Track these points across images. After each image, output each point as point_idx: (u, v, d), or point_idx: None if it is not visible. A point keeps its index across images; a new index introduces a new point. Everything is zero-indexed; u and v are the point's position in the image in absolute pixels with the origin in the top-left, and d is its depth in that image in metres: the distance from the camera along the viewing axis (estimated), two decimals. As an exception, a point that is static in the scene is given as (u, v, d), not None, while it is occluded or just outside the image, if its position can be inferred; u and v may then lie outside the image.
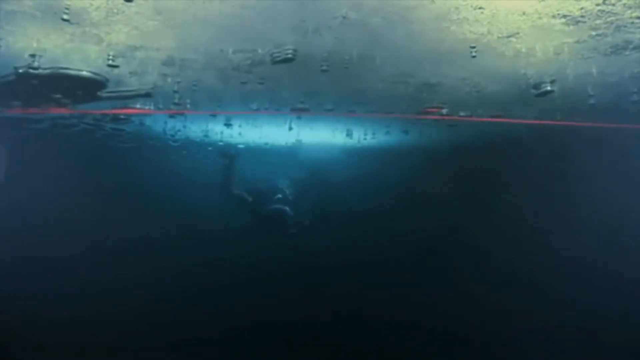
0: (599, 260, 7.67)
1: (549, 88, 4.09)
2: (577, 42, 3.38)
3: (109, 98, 4.45)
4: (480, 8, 2.82)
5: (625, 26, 3.12)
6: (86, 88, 4.07)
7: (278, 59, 3.32)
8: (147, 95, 4.43)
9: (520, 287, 7.88)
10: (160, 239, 8.98)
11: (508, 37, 3.30)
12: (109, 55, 3.53)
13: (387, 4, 2.73)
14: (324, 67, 3.54)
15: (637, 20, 3.03)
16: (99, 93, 4.26)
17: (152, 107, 4.70)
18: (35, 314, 7.10)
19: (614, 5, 2.80)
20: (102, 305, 7.43)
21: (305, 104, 4.61)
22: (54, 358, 6.72)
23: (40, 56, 3.55)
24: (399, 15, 2.90)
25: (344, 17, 2.83)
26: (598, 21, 3.02)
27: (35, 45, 3.47)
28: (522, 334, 7.25)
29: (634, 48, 3.51)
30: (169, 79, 4.24)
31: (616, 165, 6.89)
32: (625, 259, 7.48)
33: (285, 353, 7.46)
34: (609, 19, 3.00)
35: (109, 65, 3.62)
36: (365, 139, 6.67)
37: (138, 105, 4.85)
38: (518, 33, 3.23)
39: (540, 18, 2.97)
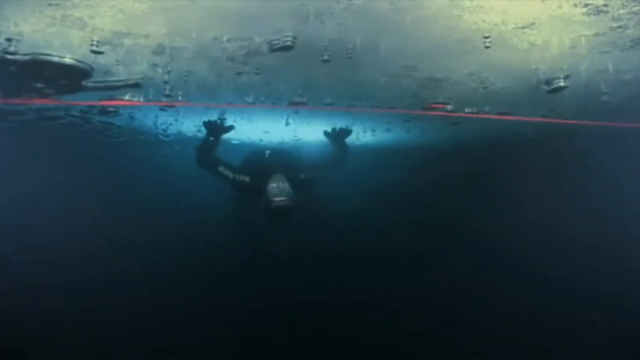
0: (611, 259, 7.53)
1: (562, 84, 3.87)
2: (596, 34, 3.17)
3: (95, 88, 4.18)
4: (496, -5, 2.60)
5: (650, 16, 2.91)
6: (70, 77, 3.79)
7: (276, 46, 3.07)
8: (136, 86, 4.16)
9: (526, 285, 7.73)
10: (151, 235, 8.77)
11: (523, 28, 3.08)
12: (92, 41, 3.27)
13: (396, -12, 2.50)
14: (326, 57, 3.29)
15: (664, 11, 2.83)
16: (84, 82, 3.99)
17: (141, 99, 4.42)
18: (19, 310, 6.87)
19: (642, -7, 2.59)
20: (86, 303, 7.20)
21: (303, 97, 4.36)
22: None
23: (18, 40, 3.29)
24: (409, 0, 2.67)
25: (349, 1, 2.58)
26: (622, 11, 2.82)
27: (12, 29, 3.21)
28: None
29: (655, 42, 3.31)
30: (159, 69, 3.98)
31: (628, 165, 6.75)
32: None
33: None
34: (634, 9, 2.79)
35: (93, 52, 3.35)
36: (365, 135, 6.44)
37: (127, 97, 4.59)
38: (534, 24, 3.01)
39: (560, 7, 2.75)
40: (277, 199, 4.47)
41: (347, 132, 5.66)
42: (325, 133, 5.70)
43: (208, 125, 5.12)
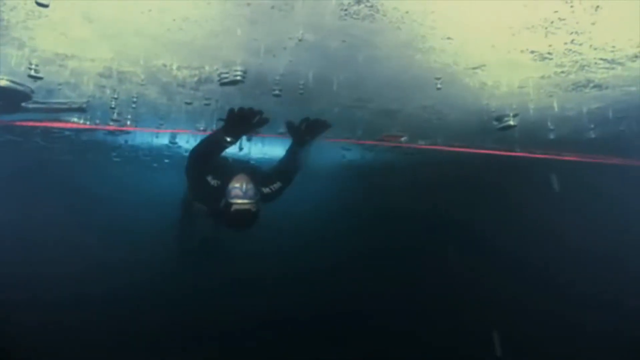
0: (555, 290, 7.76)
1: (511, 123, 3.98)
2: (542, 77, 3.29)
3: (37, 110, 3.94)
4: (449, 38, 2.64)
5: (588, 66, 3.06)
6: (6, 98, 3.55)
7: (226, 80, 2.98)
8: (80, 110, 3.95)
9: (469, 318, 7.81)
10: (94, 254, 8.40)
11: (474, 68, 3.14)
12: (31, 65, 3.08)
13: (349, 26, 2.49)
14: (276, 92, 3.23)
15: (600, 62, 2.97)
16: (23, 104, 3.76)
17: (88, 122, 4.22)
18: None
19: (580, 45, 2.71)
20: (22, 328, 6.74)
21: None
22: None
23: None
24: (362, 39, 2.66)
25: (300, 40, 2.55)
26: (564, 59, 2.93)
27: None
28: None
29: (594, 86, 3.47)
30: (107, 92, 3.82)
31: (571, 197, 7.06)
32: (579, 290, 7.60)
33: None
34: (574, 58, 2.92)
35: (31, 77, 3.16)
36: (319, 164, 6.40)
37: (74, 119, 4.37)
38: (485, 65, 3.08)
39: (508, 52, 2.83)
40: (239, 201, 3.66)
41: (323, 124, 4.24)
42: (290, 125, 4.31)
43: (239, 116, 3.41)
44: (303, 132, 4.24)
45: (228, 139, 3.58)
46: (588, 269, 7.78)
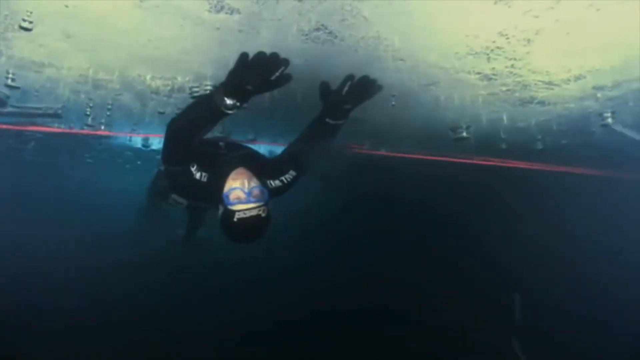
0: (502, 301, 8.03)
1: (464, 134, 4.30)
2: (490, 94, 3.59)
3: (12, 114, 4.04)
4: (401, 60, 2.91)
5: (529, 86, 3.36)
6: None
7: (196, 94, 3.19)
8: (55, 116, 4.07)
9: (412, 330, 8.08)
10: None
11: (428, 85, 3.43)
12: (7, 73, 3.21)
13: (310, 49, 2.75)
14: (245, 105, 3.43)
15: (539, 83, 3.28)
16: (-2, 109, 3.87)
17: (62, 126, 4.33)
18: None
19: (520, 69, 3.01)
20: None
21: (224, 132, 4.48)
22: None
23: None
24: (323, 58, 2.92)
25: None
26: (507, 80, 3.23)
27: None
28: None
29: (538, 103, 3.80)
30: (82, 98, 3.96)
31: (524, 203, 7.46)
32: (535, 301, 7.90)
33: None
34: (516, 79, 3.22)
35: (8, 86, 3.29)
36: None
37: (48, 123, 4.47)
38: (438, 82, 3.37)
39: (457, 72, 3.12)
40: (243, 207, 2.65)
41: (373, 85, 2.98)
42: (324, 89, 3.03)
43: (255, 64, 2.34)
44: (344, 97, 2.96)
45: (229, 102, 2.44)
46: (538, 272, 8.14)
